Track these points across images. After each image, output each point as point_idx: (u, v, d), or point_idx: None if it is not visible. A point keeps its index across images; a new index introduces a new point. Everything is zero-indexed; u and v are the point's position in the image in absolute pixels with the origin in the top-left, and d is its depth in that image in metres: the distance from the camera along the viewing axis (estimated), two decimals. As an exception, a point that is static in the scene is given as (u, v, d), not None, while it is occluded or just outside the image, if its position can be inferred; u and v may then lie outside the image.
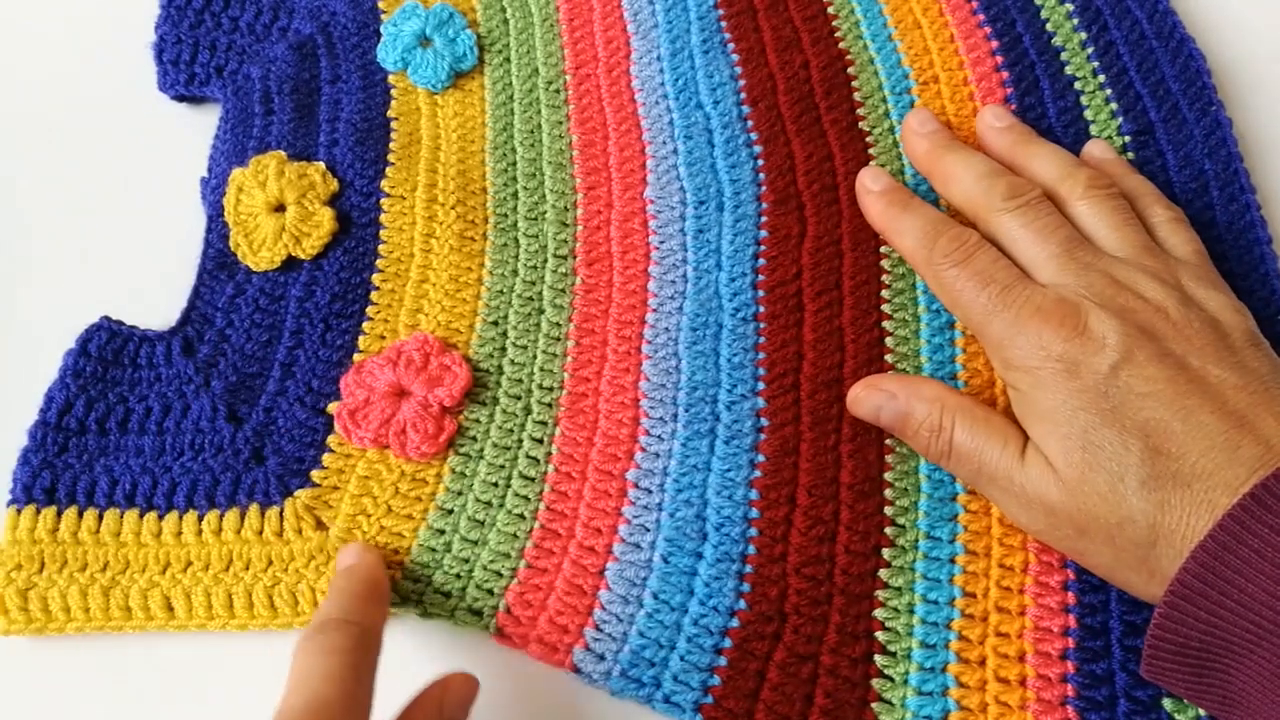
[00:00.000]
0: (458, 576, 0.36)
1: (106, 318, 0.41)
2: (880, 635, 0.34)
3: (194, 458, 0.38)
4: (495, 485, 0.38)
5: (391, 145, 0.45)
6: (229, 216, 0.43)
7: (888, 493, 0.37)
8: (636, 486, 0.37)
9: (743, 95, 0.45)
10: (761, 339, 0.40)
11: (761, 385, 0.39)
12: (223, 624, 0.36)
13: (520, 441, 0.39)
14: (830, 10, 0.47)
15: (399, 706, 0.32)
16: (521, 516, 0.37)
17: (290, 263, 0.43)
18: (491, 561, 0.36)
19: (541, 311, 0.41)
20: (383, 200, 0.44)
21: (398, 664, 0.36)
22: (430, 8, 0.47)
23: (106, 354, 0.40)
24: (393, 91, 0.47)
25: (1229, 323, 0.34)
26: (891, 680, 0.34)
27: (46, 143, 0.47)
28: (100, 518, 0.37)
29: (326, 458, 0.38)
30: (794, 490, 0.37)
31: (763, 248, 0.42)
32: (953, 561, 0.36)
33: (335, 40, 0.48)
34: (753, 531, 0.36)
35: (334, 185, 0.44)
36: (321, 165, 0.44)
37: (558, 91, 0.47)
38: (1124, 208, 0.37)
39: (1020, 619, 0.34)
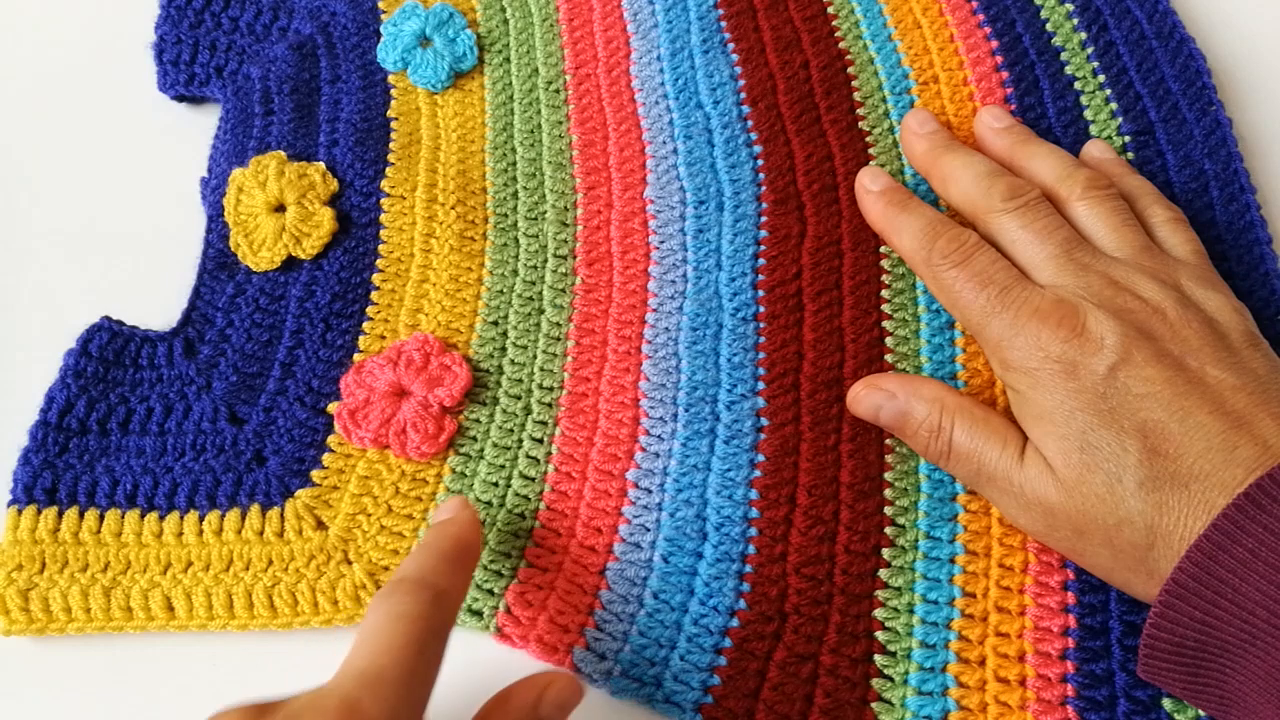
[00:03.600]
0: (458, 577, 0.36)
1: (107, 318, 0.41)
2: (880, 635, 0.34)
3: (195, 458, 0.38)
4: (495, 485, 0.38)
5: (391, 145, 0.45)
6: (229, 216, 0.43)
7: (888, 493, 0.37)
8: (636, 486, 0.37)
9: (743, 95, 0.45)
10: (761, 339, 0.40)
11: (761, 385, 0.39)
12: (223, 624, 0.36)
13: (520, 441, 0.39)
14: (830, 10, 0.47)
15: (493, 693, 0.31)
16: (521, 516, 0.37)
17: (290, 263, 0.43)
18: (491, 562, 0.36)
19: (541, 311, 0.41)
20: (383, 200, 0.44)
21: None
22: (430, 8, 0.47)
23: (107, 354, 0.40)
24: (393, 91, 0.47)
25: (1228, 323, 0.34)
26: (891, 680, 0.34)
27: (47, 143, 0.47)
28: (101, 518, 0.37)
29: (327, 458, 0.38)
30: (794, 490, 0.37)
31: (763, 248, 0.42)
32: (953, 561, 0.36)
33: (335, 40, 0.48)
34: (753, 531, 0.36)
35: (334, 185, 0.44)
36: (321, 165, 0.44)
37: (558, 91, 0.47)
38: (1123, 208, 0.37)
39: (1020, 619, 0.34)
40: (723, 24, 0.47)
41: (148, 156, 0.47)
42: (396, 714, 0.28)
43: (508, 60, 0.48)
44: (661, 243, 0.42)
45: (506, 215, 0.44)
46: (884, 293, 0.40)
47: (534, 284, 0.42)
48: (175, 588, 0.36)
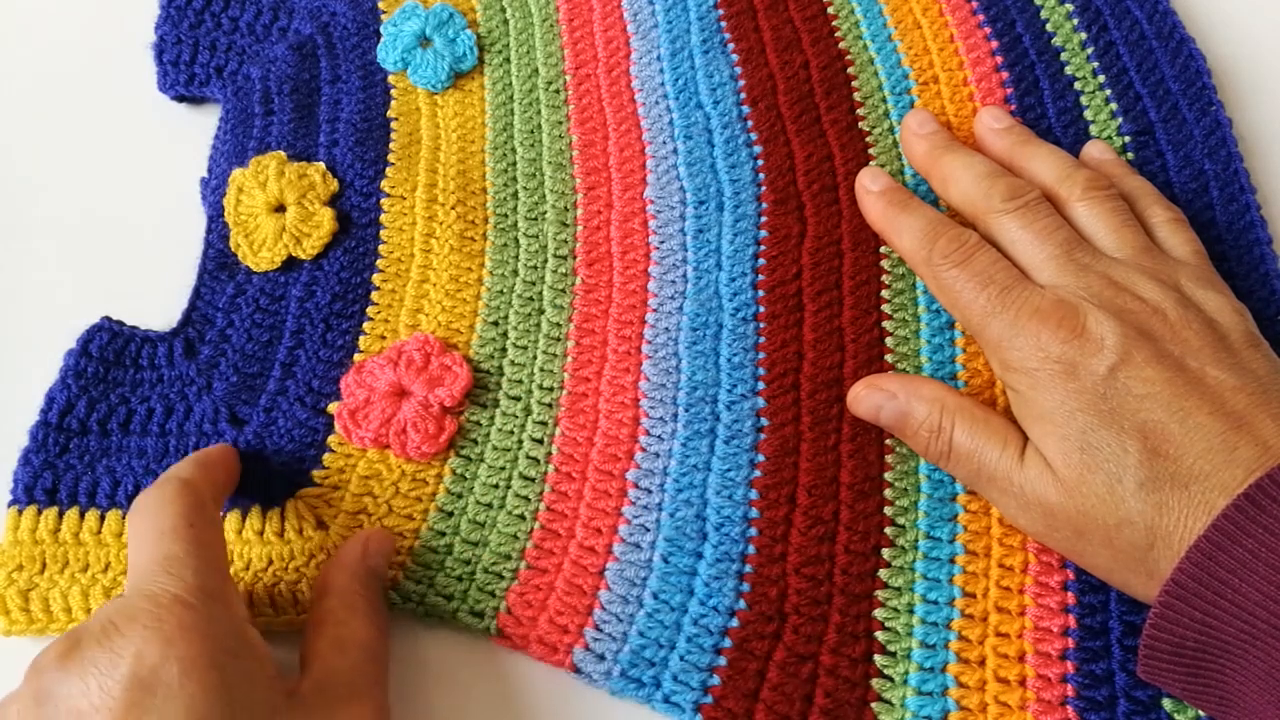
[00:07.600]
0: (459, 579, 0.36)
1: (107, 318, 0.41)
2: (880, 635, 0.34)
3: (195, 458, 0.38)
4: (495, 487, 0.38)
5: (391, 145, 0.45)
6: (229, 217, 0.43)
7: (888, 493, 0.37)
8: (636, 486, 0.37)
9: (743, 95, 0.45)
10: (761, 339, 0.40)
11: (761, 385, 0.39)
12: (224, 624, 0.36)
13: (520, 442, 0.39)
14: (830, 10, 0.47)
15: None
16: (522, 517, 0.37)
17: (290, 263, 0.43)
18: (493, 563, 0.36)
19: (541, 312, 0.41)
20: (383, 200, 0.44)
21: (399, 666, 0.36)
22: (430, 8, 0.47)
23: (108, 354, 0.40)
24: (393, 91, 0.47)
25: (1228, 323, 0.34)
26: (891, 680, 0.34)
27: (47, 143, 0.47)
28: (102, 519, 0.37)
29: (327, 457, 0.38)
30: (794, 490, 0.37)
31: (763, 248, 0.42)
32: (952, 561, 0.36)
33: (335, 40, 0.48)
34: (753, 531, 0.36)
35: (334, 185, 0.44)
36: (321, 165, 0.44)
37: (558, 91, 0.47)
38: (1123, 209, 0.37)
39: (1020, 619, 0.34)
40: (723, 24, 0.48)
41: (148, 156, 0.47)
42: (205, 580, 0.30)
43: (508, 60, 0.48)
44: (661, 243, 0.42)
45: (506, 215, 0.44)
46: (884, 293, 0.40)
47: (534, 284, 0.42)
48: (176, 588, 0.36)
